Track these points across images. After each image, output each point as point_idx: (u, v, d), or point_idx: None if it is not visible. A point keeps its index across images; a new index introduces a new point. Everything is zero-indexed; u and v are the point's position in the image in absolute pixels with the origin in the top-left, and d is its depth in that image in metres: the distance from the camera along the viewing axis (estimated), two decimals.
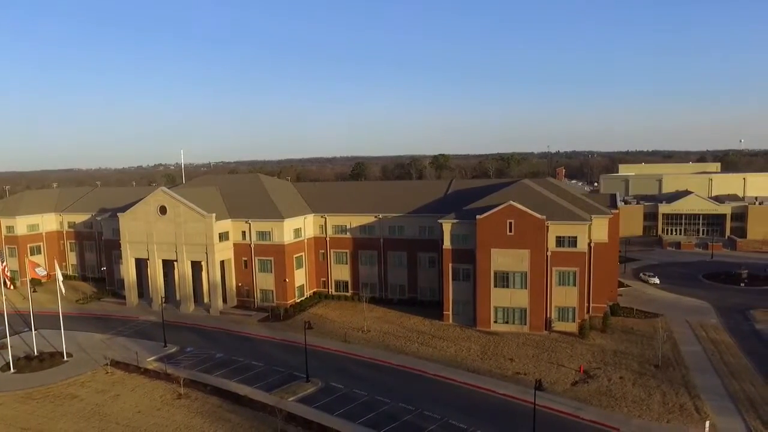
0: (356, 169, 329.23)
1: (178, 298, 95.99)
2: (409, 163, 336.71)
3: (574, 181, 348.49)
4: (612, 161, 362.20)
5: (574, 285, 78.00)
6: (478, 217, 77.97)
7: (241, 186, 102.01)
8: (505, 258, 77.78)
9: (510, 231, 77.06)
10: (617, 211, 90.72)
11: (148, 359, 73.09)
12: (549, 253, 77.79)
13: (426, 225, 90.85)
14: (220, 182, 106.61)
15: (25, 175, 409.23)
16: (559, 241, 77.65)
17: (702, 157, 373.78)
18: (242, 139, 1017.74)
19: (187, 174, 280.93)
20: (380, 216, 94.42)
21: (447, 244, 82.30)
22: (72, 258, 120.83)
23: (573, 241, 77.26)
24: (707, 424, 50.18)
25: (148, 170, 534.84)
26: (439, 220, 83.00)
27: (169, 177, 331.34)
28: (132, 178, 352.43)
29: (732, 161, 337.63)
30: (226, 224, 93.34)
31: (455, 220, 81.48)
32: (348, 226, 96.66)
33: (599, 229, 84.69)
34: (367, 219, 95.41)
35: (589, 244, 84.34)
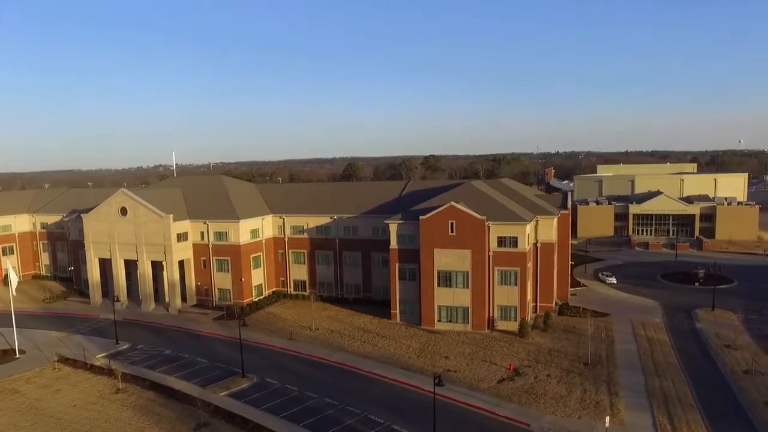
0: (348, 170, 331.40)
1: (140, 297, 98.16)
2: (401, 164, 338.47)
3: (566, 182, 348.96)
4: (606, 162, 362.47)
5: (516, 285, 79.55)
6: (421, 218, 79.70)
7: (204, 187, 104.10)
8: (448, 258, 79.44)
9: (452, 231, 78.72)
10: (567, 211, 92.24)
11: (98, 356, 75.21)
12: (491, 253, 79.39)
13: (379, 226, 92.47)
14: (185, 184, 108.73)
15: (21, 176, 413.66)
16: (501, 241, 79.23)
17: (695, 157, 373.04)
18: (244, 140, 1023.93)
19: (185, 174, 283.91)
20: (335, 217, 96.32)
21: (393, 244, 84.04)
22: (45, 258, 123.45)
23: (514, 242, 78.81)
24: (607, 419, 51.71)
25: (148, 171, 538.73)
26: (386, 221, 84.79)
27: (163, 177, 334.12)
28: (130, 179, 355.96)
29: (724, 162, 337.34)
30: (184, 225, 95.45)
31: (401, 221, 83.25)
32: (305, 227, 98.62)
33: (546, 229, 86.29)
34: (323, 220, 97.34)
35: (535, 244, 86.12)
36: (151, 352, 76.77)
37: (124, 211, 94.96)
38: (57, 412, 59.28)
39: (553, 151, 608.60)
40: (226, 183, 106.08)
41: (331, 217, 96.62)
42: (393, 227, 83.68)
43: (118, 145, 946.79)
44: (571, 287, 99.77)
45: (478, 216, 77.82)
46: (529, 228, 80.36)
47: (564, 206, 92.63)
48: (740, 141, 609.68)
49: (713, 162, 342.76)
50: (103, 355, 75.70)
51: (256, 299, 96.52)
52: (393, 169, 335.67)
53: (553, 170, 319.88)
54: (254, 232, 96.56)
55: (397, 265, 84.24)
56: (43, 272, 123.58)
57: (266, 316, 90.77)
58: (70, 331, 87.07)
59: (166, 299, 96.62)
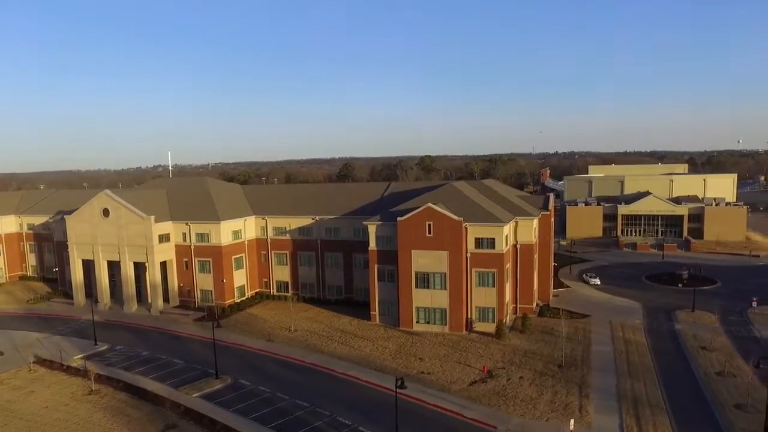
0: (343, 170, 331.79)
1: (123, 298, 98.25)
2: (396, 164, 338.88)
3: (561, 182, 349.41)
4: (604, 162, 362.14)
5: (494, 286, 79.45)
6: (398, 219, 79.70)
7: (188, 189, 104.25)
8: (425, 259, 79.44)
9: (429, 233, 78.72)
10: (548, 212, 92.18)
11: (75, 357, 75.33)
12: (468, 255, 79.33)
13: (360, 227, 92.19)
14: (170, 185, 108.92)
15: (18, 177, 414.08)
16: (478, 242, 79.15)
17: (692, 158, 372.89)
18: (243, 141, 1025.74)
19: (183, 175, 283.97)
20: (317, 218, 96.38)
21: (372, 245, 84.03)
22: (32, 259, 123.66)
23: (491, 243, 78.72)
24: (572, 422, 51.68)
25: (147, 171, 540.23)
26: (364, 222, 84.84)
27: (158, 178, 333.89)
28: (127, 180, 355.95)
29: (720, 162, 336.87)
30: (167, 226, 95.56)
31: (379, 222, 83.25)
32: (287, 228, 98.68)
33: (525, 231, 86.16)
34: (305, 221, 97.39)
35: (515, 245, 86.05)
36: (129, 353, 76.90)
37: (106, 213, 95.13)
38: (28, 413, 59.40)
39: (551, 152, 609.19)
40: (209, 184, 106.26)
41: (312, 219, 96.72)
42: (372, 228, 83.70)
43: (118, 145, 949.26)
44: (554, 288, 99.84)
45: (455, 217, 77.82)
46: (506, 229, 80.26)
47: (545, 207, 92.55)
48: (739, 141, 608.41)
49: (709, 162, 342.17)
50: (80, 356, 75.82)
51: (238, 300, 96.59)
52: (389, 169, 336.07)
53: (548, 171, 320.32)
54: (236, 233, 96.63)
55: (376, 266, 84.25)
56: (29, 273, 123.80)
57: (247, 317, 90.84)
58: (51, 332, 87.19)
59: (149, 300, 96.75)
